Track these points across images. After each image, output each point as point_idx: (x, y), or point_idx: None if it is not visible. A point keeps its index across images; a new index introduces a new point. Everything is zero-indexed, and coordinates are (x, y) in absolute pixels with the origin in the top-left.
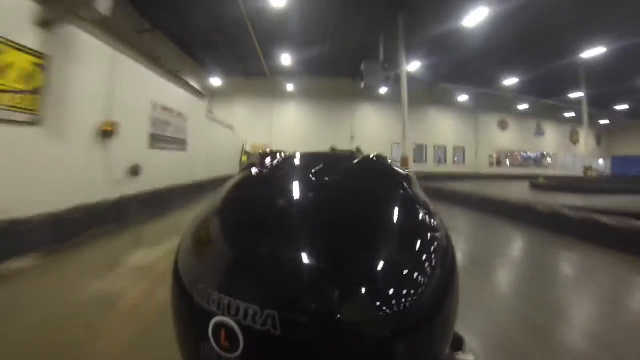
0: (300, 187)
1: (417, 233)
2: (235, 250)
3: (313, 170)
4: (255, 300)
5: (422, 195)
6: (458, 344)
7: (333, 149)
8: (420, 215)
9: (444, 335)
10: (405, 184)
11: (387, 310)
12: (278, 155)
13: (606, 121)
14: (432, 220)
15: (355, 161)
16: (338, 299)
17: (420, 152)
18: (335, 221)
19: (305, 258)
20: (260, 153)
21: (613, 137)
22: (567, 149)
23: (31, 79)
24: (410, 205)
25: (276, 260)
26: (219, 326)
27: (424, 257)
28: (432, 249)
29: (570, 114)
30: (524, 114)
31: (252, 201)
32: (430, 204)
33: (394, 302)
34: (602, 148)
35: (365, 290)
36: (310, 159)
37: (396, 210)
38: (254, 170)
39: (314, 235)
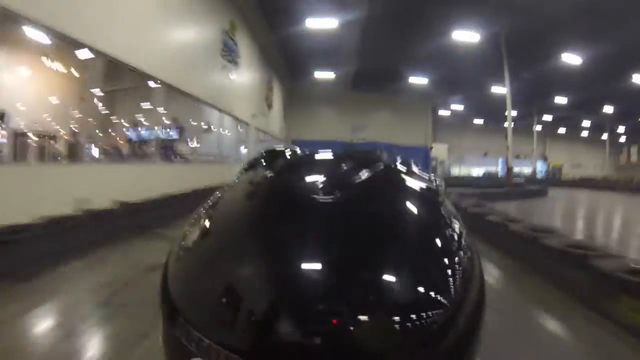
0: (312, 204)
1: (442, 254)
2: (226, 284)
3: (328, 180)
4: (240, 352)
5: (452, 212)
6: None
7: (351, 143)
8: (447, 234)
9: None
10: (434, 199)
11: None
12: (286, 154)
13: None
14: (460, 240)
15: (378, 169)
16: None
17: None
18: (349, 256)
19: (310, 305)
20: (264, 152)
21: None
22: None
23: None
24: (437, 226)
25: (271, 307)
26: None
27: (448, 282)
28: (457, 272)
29: None
30: None
31: (254, 220)
32: (459, 221)
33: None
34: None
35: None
36: (325, 162)
37: (421, 232)
38: (259, 175)
39: (325, 279)
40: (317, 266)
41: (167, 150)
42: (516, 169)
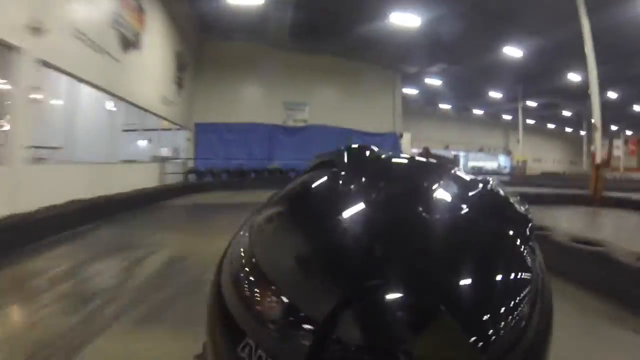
0: (398, 218)
1: (521, 280)
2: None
3: (415, 193)
4: None
5: (536, 246)
6: None
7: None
8: (529, 276)
9: None
10: (522, 231)
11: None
12: (367, 154)
13: None
14: (541, 266)
15: (471, 192)
16: None
17: None
18: (436, 280)
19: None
20: (345, 148)
21: None
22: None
23: None
24: (523, 263)
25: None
26: None
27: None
28: (533, 297)
29: None
30: None
31: (337, 223)
32: (540, 256)
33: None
34: None
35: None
36: (408, 170)
37: (510, 272)
38: (336, 175)
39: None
40: (404, 283)
41: None
42: (478, 164)
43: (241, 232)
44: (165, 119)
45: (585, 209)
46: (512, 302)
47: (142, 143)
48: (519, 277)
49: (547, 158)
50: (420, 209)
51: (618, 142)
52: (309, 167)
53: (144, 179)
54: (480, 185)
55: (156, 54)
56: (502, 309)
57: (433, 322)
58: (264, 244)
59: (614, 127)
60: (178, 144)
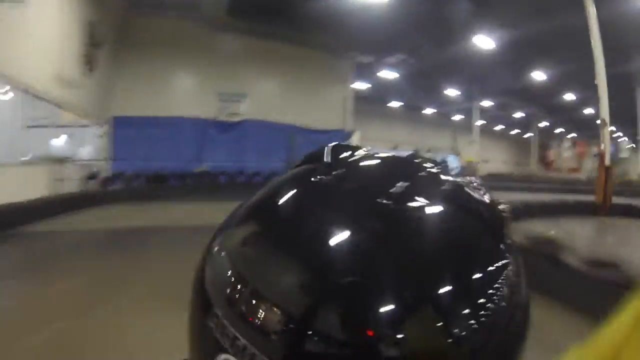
0: (377, 216)
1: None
2: (268, 283)
3: (392, 190)
4: (272, 355)
5: (514, 244)
6: None
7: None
8: (507, 267)
9: None
10: (498, 229)
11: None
12: (351, 152)
13: None
14: (518, 274)
15: (451, 192)
16: None
17: None
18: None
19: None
20: (329, 147)
21: None
22: None
23: None
24: (498, 260)
25: (315, 315)
26: None
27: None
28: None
29: None
30: None
31: (312, 220)
32: (520, 256)
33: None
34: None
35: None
36: (390, 170)
37: (480, 264)
38: (318, 168)
39: (379, 293)
40: (372, 276)
41: None
42: None
43: (223, 229)
44: (63, 106)
45: (606, 220)
46: (488, 298)
47: (43, 142)
48: (493, 273)
49: (494, 159)
50: (399, 207)
51: (567, 144)
52: (295, 164)
53: (16, 188)
54: (463, 185)
55: (51, 16)
56: (478, 305)
57: (409, 316)
58: (243, 246)
59: (560, 130)
60: (96, 143)
